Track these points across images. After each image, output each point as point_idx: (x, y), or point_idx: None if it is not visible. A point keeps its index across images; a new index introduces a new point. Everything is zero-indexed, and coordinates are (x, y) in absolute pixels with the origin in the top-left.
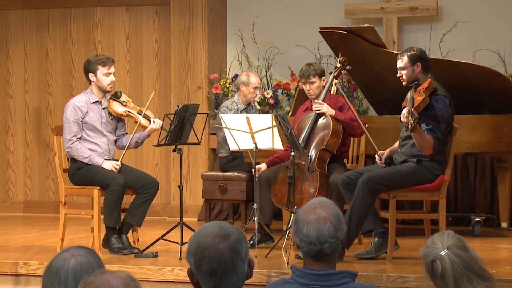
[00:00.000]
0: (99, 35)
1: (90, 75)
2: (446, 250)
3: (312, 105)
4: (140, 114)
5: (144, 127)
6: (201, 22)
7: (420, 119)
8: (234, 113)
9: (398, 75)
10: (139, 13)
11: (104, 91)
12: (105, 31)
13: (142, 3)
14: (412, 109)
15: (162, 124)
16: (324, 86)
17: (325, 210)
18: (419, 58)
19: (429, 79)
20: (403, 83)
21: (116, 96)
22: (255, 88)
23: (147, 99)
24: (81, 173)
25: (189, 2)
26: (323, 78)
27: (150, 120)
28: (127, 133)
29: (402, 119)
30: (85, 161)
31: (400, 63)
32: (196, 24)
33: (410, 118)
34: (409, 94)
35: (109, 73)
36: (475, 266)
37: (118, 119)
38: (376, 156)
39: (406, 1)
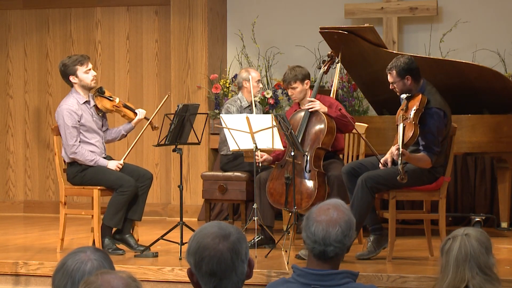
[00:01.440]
0: (99, 35)
1: (71, 78)
2: (464, 235)
3: (300, 108)
4: (126, 107)
5: (131, 119)
6: (201, 22)
7: None
8: (238, 110)
9: (390, 87)
10: (139, 13)
11: (89, 88)
12: (105, 31)
13: (142, 3)
14: (402, 149)
15: (145, 115)
16: (307, 89)
17: (338, 213)
18: (407, 71)
19: (420, 95)
20: (397, 93)
21: (101, 92)
22: (258, 81)
23: (147, 99)
24: (86, 174)
25: (189, 2)
26: (305, 82)
27: (134, 112)
28: (108, 128)
29: (393, 156)
30: (91, 164)
31: (390, 78)
32: (196, 24)
33: (399, 165)
34: (400, 120)
35: (89, 70)
36: (481, 261)
37: (103, 115)
38: (380, 165)
39: (406, 1)
